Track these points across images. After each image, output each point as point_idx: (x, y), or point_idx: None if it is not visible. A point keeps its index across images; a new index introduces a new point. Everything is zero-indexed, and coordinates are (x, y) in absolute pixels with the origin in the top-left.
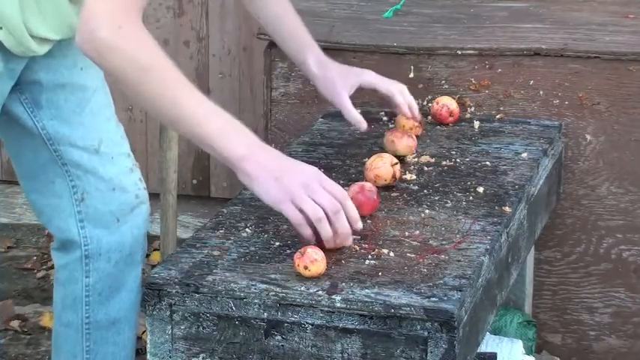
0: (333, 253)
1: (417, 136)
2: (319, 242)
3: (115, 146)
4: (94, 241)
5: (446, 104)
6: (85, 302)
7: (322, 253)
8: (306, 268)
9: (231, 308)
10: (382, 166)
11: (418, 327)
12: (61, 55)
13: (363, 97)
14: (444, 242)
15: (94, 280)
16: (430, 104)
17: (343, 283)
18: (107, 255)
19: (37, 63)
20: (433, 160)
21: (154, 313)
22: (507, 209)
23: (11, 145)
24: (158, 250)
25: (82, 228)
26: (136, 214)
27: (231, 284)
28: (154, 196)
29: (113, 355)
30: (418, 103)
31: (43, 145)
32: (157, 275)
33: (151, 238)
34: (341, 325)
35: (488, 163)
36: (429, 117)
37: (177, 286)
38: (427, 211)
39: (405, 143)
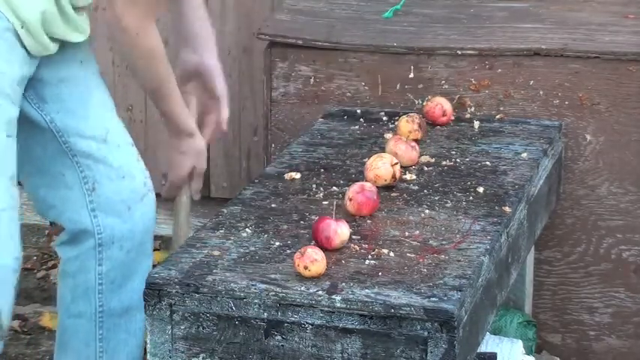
0: (333, 253)
1: (416, 140)
2: (319, 242)
3: (120, 135)
4: (107, 230)
5: (440, 103)
6: (98, 290)
7: (322, 253)
8: (306, 268)
9: (231, 308)
10: (382, 166)
11: (418, 327)
12: (60, 50)
13: (363, 98)
14: (444, 242)
15: (107, 268)
16: (424, 103)
17: (343, 283)
18: (120, 243)
19: (39, 60)
20: (433, 160)
21: (154, 313)
22: (507, 209)
23: (18, 145)
24: (158, 250)
25: (94, 217)
26: (146, 202)
27: (231, 284)
28: None
29: (125, 343)
30: (418, 103)
31: (53, 138)
32: (157, 275)
33: None
34: (341, 325)
35: (488, 163)
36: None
37: (177, 286)
38: (427, 211)
39: (408, 156)
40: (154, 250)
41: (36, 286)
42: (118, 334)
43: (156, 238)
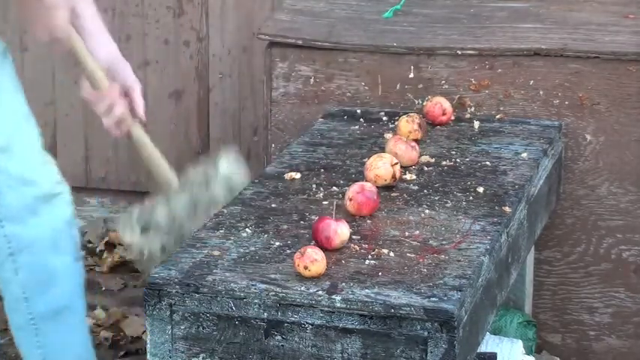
0: (333, 253)
1: (416, 140)
2: (319, 242)
3: (24, 141)
4: (15, 238)
5: (440, 102)
6: (24, 299)
7: (322, 253)
8: (306, 268)
9: (231, 308)
10: (382, 166)
11: (418, 327)
12: None
13: (363, 98)
14: (444, 242)
15: (26, 275)
16: (424, 103)
17: (343, 283)
18: (30, 249)
19: None
20: (433, 160)
21: (154, 313)
22: (507, 209)
23: None
24: None
25: (1, 227)
26: (55, 204)
27: (231, 284)
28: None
29: (64, 343)
30: (418, 103)
31: None
32: (156, 275)
33: None
34: (341, 325)
35: (488, 163)
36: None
37: (177, 286)
38: (427, 211)
39: (408, 156)
40: None
41: None
42: (55, 338)
43: None
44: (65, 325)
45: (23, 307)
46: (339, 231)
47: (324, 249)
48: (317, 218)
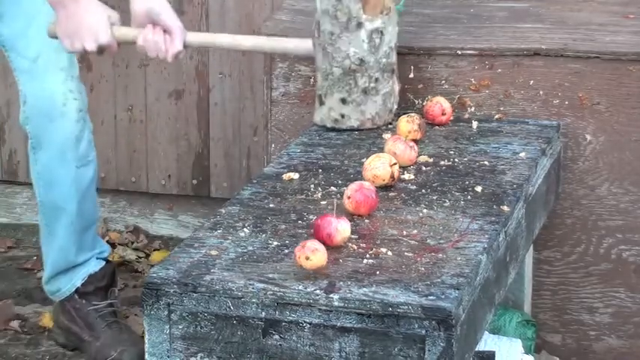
0: (332, 252)
1: (415, 140)
2: (320, 239)
3: (51, 59)
4: (34, 136)
5: (439, 102)
6: (37, 186)
7: (323, 246)
8: (307, 258)
9: (229, 308)
10: (380, 167)
11: (416, 325)
12: None
13: None
14: (441, 241)
15: (38, 169)
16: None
17: (341, 282)
18: (45, 149)
19: None
20: (431, 159)
21: (152, 312)
22: (505, 208)
23: None
24: (159, 250)
25: (26, 125)
26: (65, 116)
27: (229, 284)
28: (153, 196)
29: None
30: (418, 103)
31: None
32: (154, 275)
33: (150, 239)
34: (339, 323)
35: (486, 162)
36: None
37: (175, 286)
38: (425, 210)
39: (407, 157)
40: (154, 250)
41: (36, 286)
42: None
43: (156, 237)
44: (63, 219)
45: (36, 192)
46: (340, 228)
47: (326, 246)
48: (318, 216)
